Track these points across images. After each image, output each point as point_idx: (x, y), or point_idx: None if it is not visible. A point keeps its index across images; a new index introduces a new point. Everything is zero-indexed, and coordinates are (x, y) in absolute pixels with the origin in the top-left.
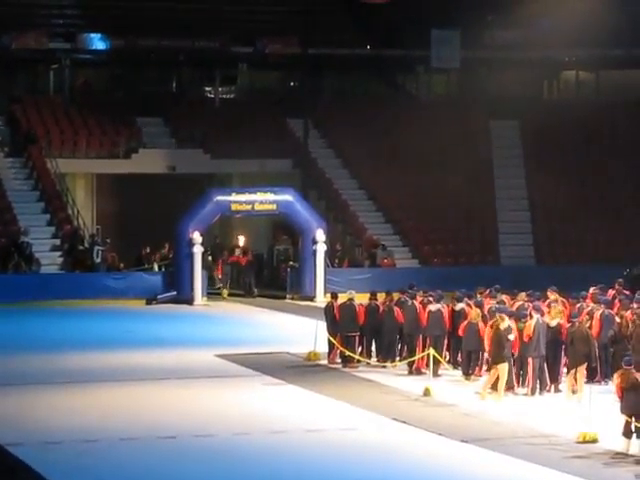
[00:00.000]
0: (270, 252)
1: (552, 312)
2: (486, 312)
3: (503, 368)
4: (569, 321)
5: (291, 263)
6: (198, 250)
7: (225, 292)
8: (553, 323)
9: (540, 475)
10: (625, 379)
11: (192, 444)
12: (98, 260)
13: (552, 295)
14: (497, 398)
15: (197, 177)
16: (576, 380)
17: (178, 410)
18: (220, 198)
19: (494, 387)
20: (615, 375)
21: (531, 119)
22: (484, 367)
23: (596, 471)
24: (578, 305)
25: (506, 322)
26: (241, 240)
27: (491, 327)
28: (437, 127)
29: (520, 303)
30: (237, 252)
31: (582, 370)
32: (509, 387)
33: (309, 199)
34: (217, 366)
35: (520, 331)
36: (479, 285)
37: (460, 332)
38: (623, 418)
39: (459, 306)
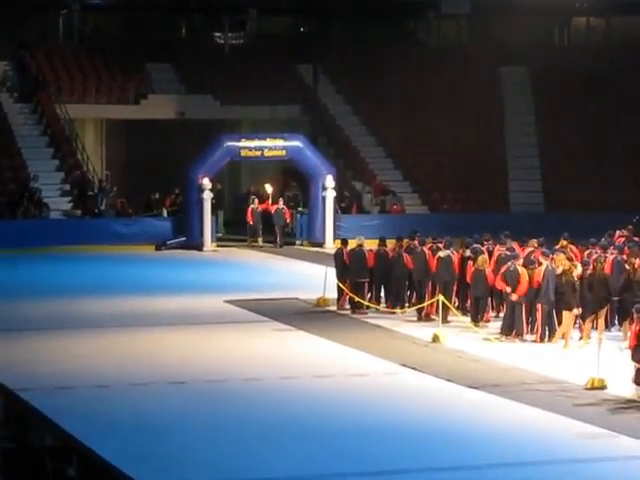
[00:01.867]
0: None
1: (556, 260)
2: (496, 259)
3: (568, 316)
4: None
5: (300, 209)
6: (207, 196)
7: (260, 240)
8: (558, 271)
9: (549, 421)
10: None
11: (202, 389)
12: (102, 207)
13: (563, 242)
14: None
15: (206, 123)
16: (594, 324)
17: (188, 356)
18: (230, 144)
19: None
20: (626, 323)
21: (541, 66)
22: (492, 313)
23: (605, 418)
24: (587, 252)
25: (579, 268)
26: (268, 188)
27: (564, 274)
28: (447, 73)
29: (530, 250)
30: (252, 202)
31: (602, 314)
32: (518, 333)
33: (319, 145)
34: (227, 312)
35: (529, 278)
36: (488, 232)
37: (468, 279)
38: (634, 366)
39: (468, 252)
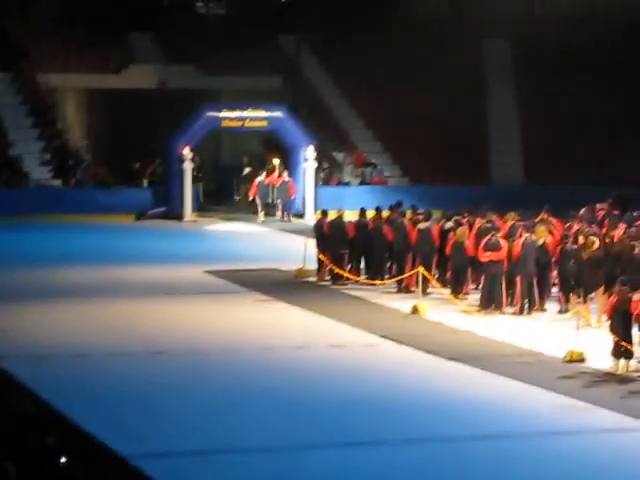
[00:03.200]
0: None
1: (536, 232)
2: (476, 231)
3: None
4: (561, 242)
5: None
6: (188, 166)
7: (261, 216)
8: (539, 242)
9: (528, 394)
10: (620, 299)
11: (183, 359)
12: (78, 177)
13: (544, 215)
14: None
15: (188, 93)
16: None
17: (168, 326)
18: (211, 114)
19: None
20: (600, 295)
21: (522, 36)
22: (471, 285)
23: (584, 390)
24: (567, 225)
25: (597, 243)
26: (276, 161)
27: (584, 250)
28: (430, 46)
29: (512, 222)
30: (259, 175)
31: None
32: (497, 306)
33: (300, 116)
34: (206, 282)
35: (508, 250)
36: (469, 204)
37: (447, 251)
38: (612, 338)
39: (448, 225)
